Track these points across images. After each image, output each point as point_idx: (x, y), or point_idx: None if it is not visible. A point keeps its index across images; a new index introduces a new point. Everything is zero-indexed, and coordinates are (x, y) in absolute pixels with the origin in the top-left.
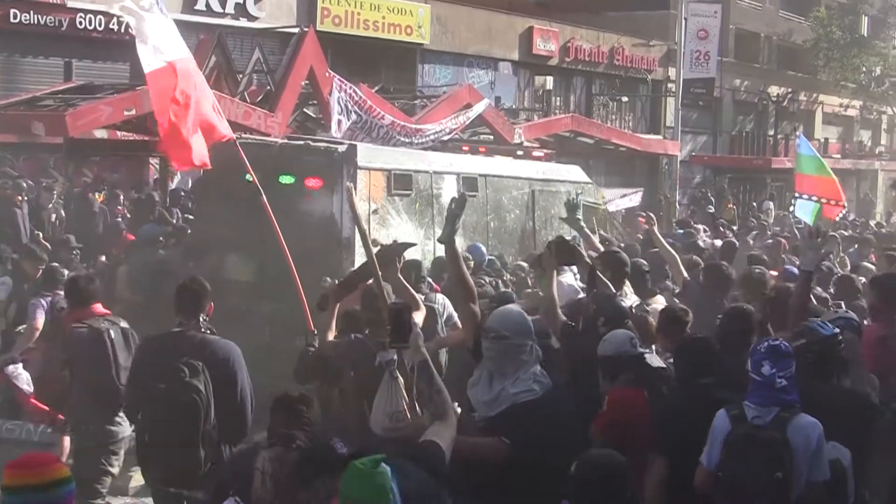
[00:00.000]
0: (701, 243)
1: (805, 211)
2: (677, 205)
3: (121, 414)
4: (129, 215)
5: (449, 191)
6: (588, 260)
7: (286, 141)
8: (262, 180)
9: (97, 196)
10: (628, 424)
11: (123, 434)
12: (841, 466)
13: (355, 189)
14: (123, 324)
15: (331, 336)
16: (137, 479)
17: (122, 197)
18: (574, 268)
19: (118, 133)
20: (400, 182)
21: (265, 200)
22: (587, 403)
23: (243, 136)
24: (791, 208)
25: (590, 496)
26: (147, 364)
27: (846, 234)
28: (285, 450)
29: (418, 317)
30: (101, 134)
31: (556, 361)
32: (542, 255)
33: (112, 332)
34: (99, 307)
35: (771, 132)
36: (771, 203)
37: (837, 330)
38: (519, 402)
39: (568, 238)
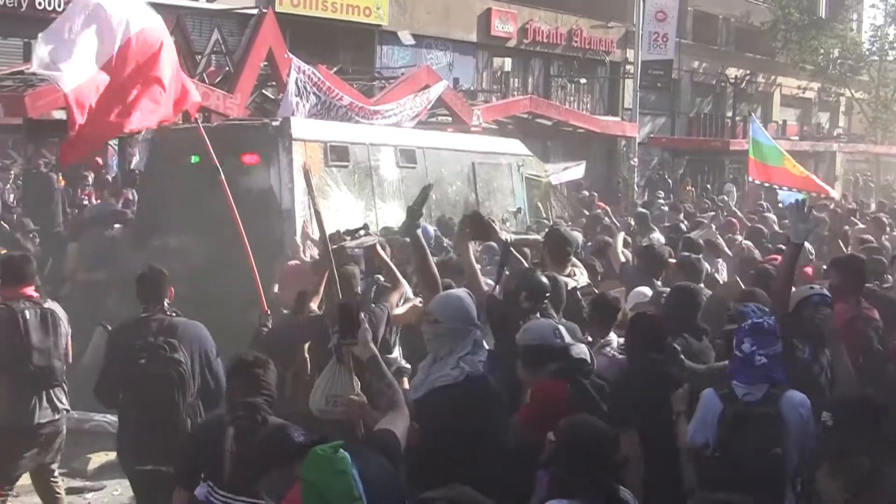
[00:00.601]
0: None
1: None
2: (635, 186)
3: (44, 399)
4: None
5: (387, 163)
6: (501, 236)
7: (221, 122)
8: (202, 161)
9: (59, 178)
10: (552, 419)
11: (42, 419)
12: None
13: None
14: (49, 305)
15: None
16: (96, 461)
17: (89, 178)
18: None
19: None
20: (336, 154)
21: (223, 179)
22: (509, 387)
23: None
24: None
25: (574, 461)
26: (121, 348)
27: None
28: (250, 423)
29: (394, 297)
30: (60, 115)
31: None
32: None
33: (28, 313)
34: (28, 289)
35: (729, 114)
36: (733, 186)
37: (765, 319)
38: (436, 386)
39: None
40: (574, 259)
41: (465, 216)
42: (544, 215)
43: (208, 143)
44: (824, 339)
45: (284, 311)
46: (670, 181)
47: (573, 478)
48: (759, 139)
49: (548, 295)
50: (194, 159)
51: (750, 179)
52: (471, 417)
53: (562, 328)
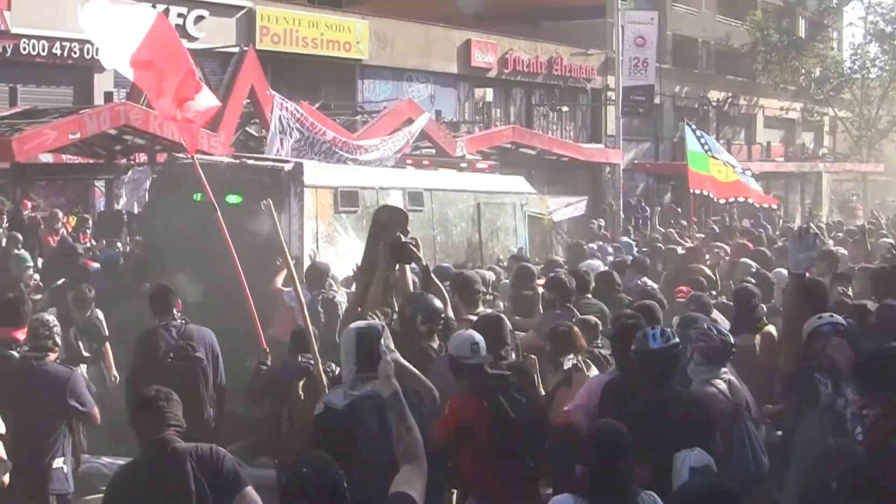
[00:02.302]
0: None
1: None
2: (620, 213)
3: None
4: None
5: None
6: (424, 262)
7: (231, 160)
8: (205, 200)
9: (68, 220)
10: (467, 430)
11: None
12: (712, 471)
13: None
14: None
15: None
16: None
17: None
18: None
19: (63, 157)
20: (346, 199)
21: (220, 218)
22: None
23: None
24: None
25: (601, 459)
26: (148, 349)
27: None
28: (161, 458)
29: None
30: (46, 158)
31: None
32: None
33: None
34: (13, 332)
35: (713, 136)
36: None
37: (670, 342)
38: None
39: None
40: (487, 296)
41: (385, 242)
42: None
43: (205, 181)
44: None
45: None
46: (647, 208)
47: (591, 474)
48: (690, 147)
49: (443, 317)
50: (197, 197)
51: (691, 190)
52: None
53: (481, 343)
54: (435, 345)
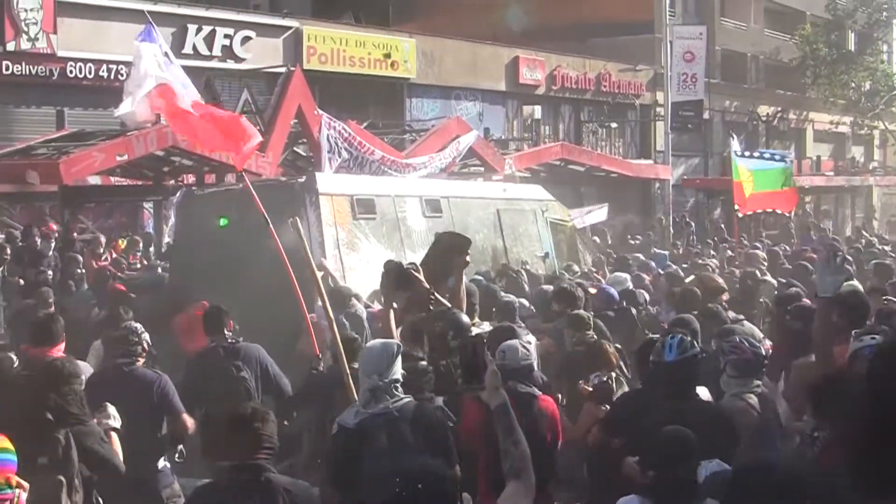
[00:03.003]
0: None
1: None
2: (670, 229)
3: None
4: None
5: (413, 213)
6: (426, 285)
7: (252, 183)
8: (233, 223)
9: (118, 243)
10: (471, 432)
11: None
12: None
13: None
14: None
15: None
16: None
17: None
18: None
19: (111, 179)
20: (364, 206)
21: (276, 237)
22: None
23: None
24: None
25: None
26: (196, 372)
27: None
28: (253, 484)
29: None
30: (94, 180)
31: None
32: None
33: None
34: (49, 351)
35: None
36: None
37: (687, 353)
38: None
39: (540, 254)
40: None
41: (387, 269)
42: (577, 264)
43: (256, 198)
44: None
45: None
46: (691, 223)
47: (657, 478)
48: (735, 160)
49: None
50: (223, 222)
51: (737, 208)
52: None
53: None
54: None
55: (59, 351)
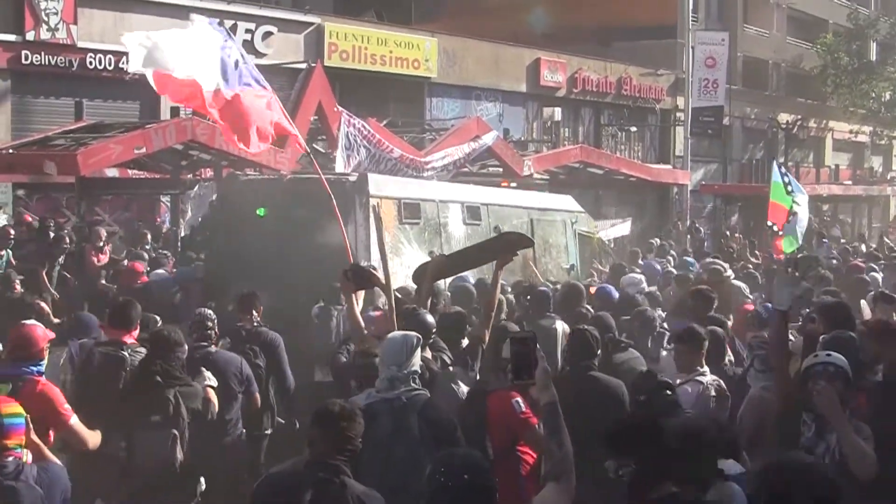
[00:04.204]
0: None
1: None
2: (686, 234)
3: None
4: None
5: (454, 219)
6: (383, 283)
7: (295, 175)
8: (272, 214)
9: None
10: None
11: None
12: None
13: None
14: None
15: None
16: None
17: (147, 236)
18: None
19: (129, 171)
20: (409, 211)
21: (335, 205)
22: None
23: (250, 172)
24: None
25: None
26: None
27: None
28: (329, 485)
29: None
30: (112, 172)
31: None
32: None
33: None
34: (123, 335)
35: (781, 160)
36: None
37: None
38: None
39: (566, 266)
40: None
41: (346, 268)
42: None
43: (328, 189)
44: None
45: None
46: (700, 229)
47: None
48: (774, 178)
49: (433, 331)
50: (260, 212)
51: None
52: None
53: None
54: (428, 355)
55: (131, 337)
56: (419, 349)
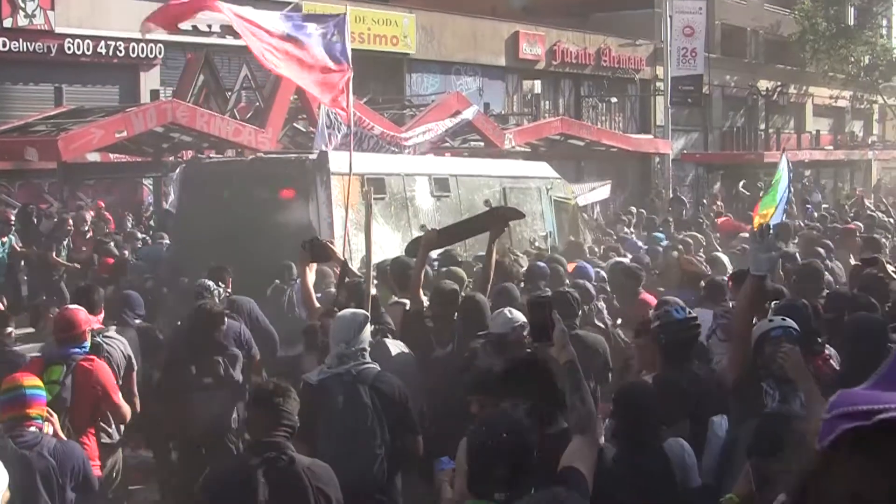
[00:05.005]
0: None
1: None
2: (667, 206)
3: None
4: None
5: (422, 192)
6: (341, 257)
7: (257, 156)
8: (235, 195)
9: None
10: None
11: None
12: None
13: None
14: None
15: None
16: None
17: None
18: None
19: (110, 155)
20: (374, 186)
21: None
22: None
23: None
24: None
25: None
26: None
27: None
28: (278, 462)
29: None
30: (93, 157)
31: None
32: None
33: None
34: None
35: (762, 126)
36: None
37: (690, 315)
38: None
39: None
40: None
41: (304, 241)
42: (578, 238)
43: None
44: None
45: None
46: (684, 199)
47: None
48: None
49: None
50: (226, 194)
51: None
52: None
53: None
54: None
55: (98, 321)
56: (367, 326)
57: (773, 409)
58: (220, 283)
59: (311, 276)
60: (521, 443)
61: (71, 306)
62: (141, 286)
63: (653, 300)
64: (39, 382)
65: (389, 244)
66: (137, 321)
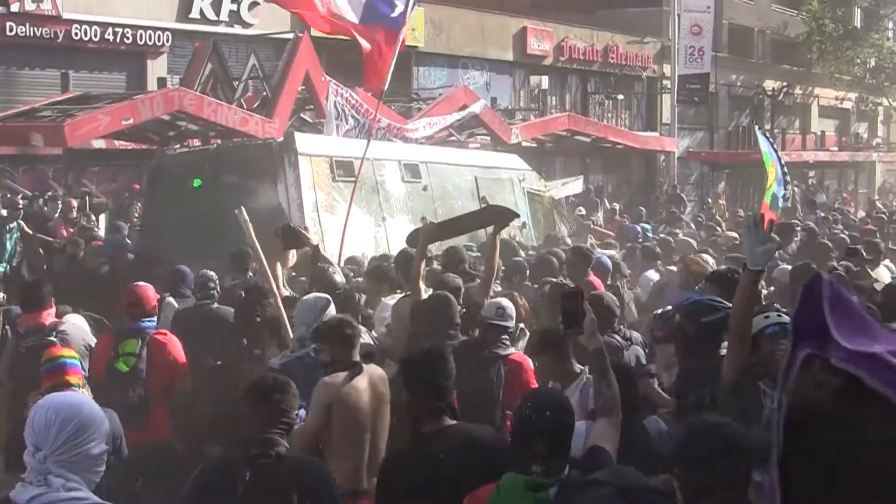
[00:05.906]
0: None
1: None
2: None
3: None
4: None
5: (392, 178)
6: (313, 243)
7: (222, 143)
8: (204, 183)
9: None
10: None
11: None
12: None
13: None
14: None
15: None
16: None
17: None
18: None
19: (116, 142)
20: (343, 168)
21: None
22: None
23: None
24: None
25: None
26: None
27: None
28: (264, 459)
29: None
30: (99, 144)
31: None
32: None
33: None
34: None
35: (767, 126)
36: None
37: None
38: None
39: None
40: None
41: (277, 228)
42: (556, 231)
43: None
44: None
45: None
46: (683, 196)
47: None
48: (763, 149)
49: (338, 291)
50: (196, 183)
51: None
52: None
53: (508, 309)
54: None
55: (49, 314)
56: (329, 310)
57: (699, 419)
58: (244, 271)
59: (291, 261)
60: (563, 422)
61: (140, 283)
62: (97, 271)
63: (600, 284)
64: (75, 353)
65: (361, 228)
66: (189, 296)
